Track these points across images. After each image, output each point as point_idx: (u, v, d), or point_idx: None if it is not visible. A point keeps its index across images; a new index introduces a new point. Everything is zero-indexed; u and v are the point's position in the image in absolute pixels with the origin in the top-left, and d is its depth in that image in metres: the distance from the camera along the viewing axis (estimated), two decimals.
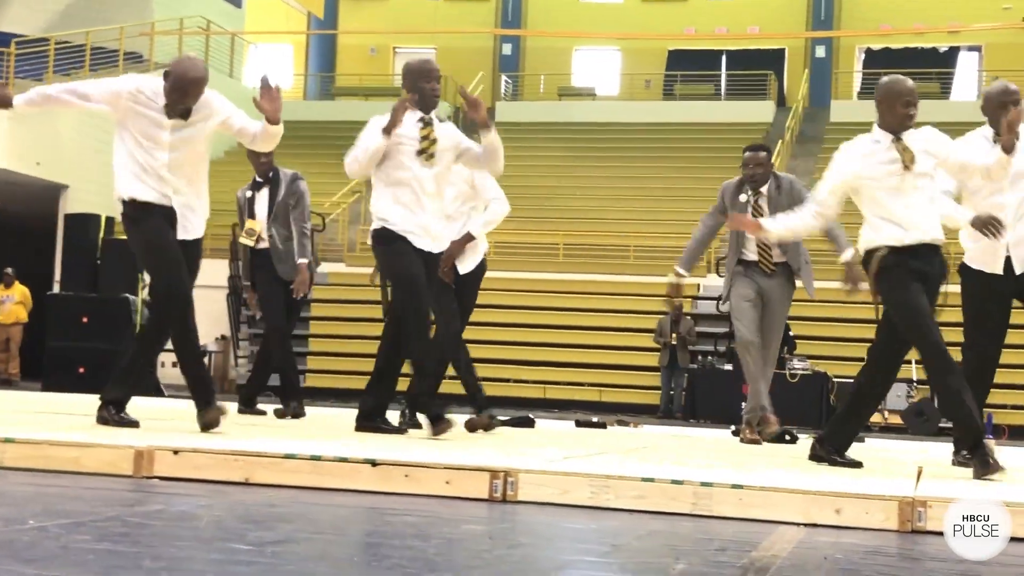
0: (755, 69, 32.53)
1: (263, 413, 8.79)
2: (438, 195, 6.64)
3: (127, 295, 14.80)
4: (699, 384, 18.34)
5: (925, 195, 5.59)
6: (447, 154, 6.65)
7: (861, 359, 6.04)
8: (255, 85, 34.67)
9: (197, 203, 6.13)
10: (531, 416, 9.49)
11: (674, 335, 18.93)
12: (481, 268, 7.74)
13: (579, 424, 10.15)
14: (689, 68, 33.23)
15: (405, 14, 35.84)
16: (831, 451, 5.77)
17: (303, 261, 8.65)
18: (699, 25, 33.79)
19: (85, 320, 14.71)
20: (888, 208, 5.54)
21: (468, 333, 7.96)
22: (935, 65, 32.04)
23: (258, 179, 8.79)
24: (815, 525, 3.98)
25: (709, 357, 18.95)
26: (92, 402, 9.08)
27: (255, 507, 3.93)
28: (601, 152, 28.17)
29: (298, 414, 8.66)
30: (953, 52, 32.89)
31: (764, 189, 8.03)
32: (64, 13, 28.34)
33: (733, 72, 33.33)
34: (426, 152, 6.54)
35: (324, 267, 19.74)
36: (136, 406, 6.54)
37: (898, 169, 5.54)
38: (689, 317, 19.70)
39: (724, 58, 34.08)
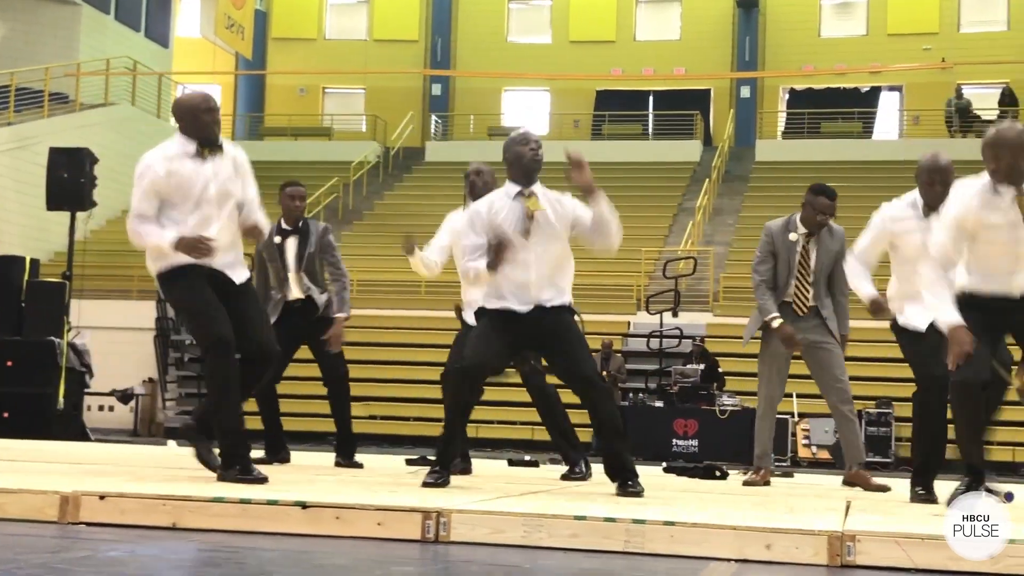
0: (681, 109, 32.90)
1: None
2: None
3: (52, 338, 14.58)
4: (630, 421, 18.35)
5: None
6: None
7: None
8: None
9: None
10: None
11: (605, 373, 18.99)
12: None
13: (512, 463, 10.12)
14: (617, 108, 33.54)
15: (334, 54, 35.85)
16: None
17: (342, 315, 8.12)
18: (626, 66, 34.13)
19: (9, 364, 14.46)
20: None
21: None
22: (857, 105, 32.62)
23: (285, 226, 8.16)
24: (746, 561, 4.00)
25: (640, 394, 19.03)
26: (16, 446, 8.93)
27: (182, 552, 3.87)
28: None
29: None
30: (875, 92, 33.50)
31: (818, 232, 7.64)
32: None
33: (660, 112, 33.68)
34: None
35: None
36: (63, 451, 6.44)
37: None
38: (620, 355, 19.78)
39: (651, 98, 34.44)
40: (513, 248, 5.95)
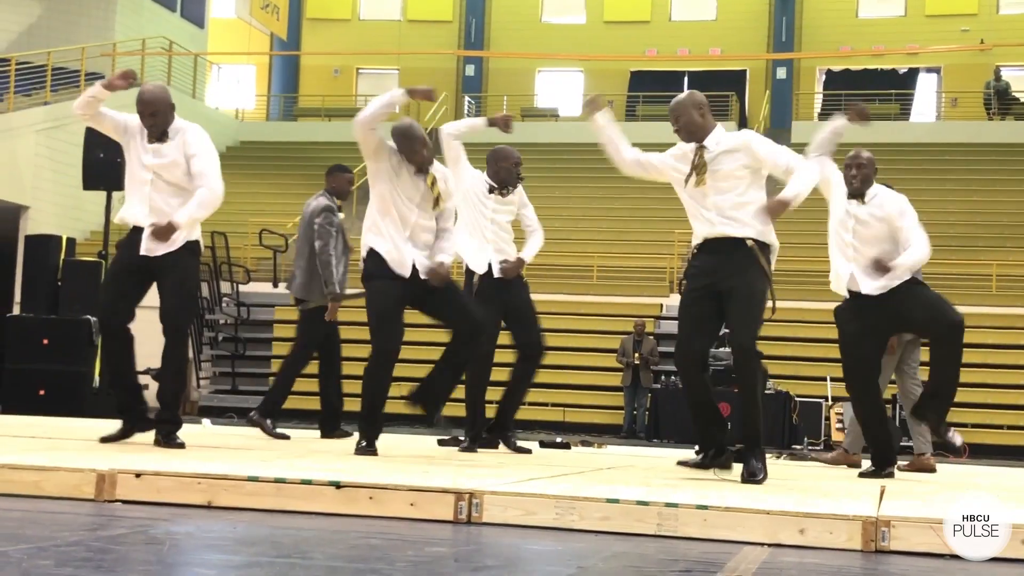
0: (717, 90, 32.71)
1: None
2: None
3: (88, 316, 14.68)
4: (662, 404, 18.36)
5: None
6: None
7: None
8: (217, 105, 34.44)
9: None
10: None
11: (637, 355, 18.97)
12: None
13: (543, 445, 10.14)
14: (651, 89, 33.39)
15: (368, 35, 35.85)
16: None
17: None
18: (661, 47, 33.98)
19: (45, 342, 14.57)
20: None
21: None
22: (894, 86, 32.35)
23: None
24: (779, 545, 3.99)
25: (672, 377, 18.98)
26: (52, 424, 9.01)
27: (218, 531, 3.90)
28: (564, 173, 28.24)
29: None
30: (912, 73, 33.22)
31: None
32: (25, 33, 28.20)
33: None
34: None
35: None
36: (98, 429, 6.49)
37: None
38: (652, 337, 19.74)
39: (686, 79, 34.28)
40: None
